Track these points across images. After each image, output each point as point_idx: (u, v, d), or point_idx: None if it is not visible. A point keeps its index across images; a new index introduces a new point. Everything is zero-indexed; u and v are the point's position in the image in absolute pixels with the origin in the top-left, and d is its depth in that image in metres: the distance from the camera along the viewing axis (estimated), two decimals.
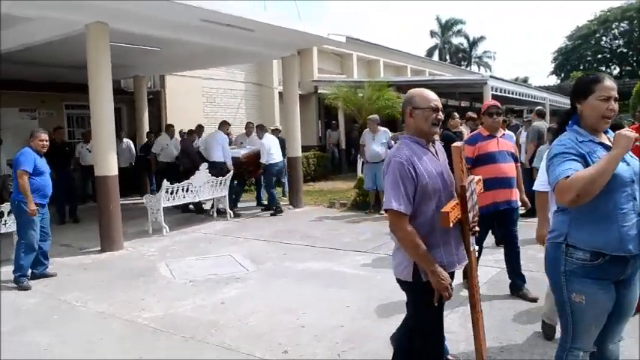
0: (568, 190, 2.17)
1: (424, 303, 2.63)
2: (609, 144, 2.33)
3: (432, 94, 2.65)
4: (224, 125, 10.37)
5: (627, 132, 2.22)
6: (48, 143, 5.92)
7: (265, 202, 10.32)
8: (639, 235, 2.29)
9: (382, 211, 9.15)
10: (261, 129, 10.13)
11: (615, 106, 2.36)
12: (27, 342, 4.12)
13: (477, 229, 2.72)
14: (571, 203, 2.20)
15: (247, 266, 6.14)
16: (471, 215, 2.66)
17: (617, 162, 2.19)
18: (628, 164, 2.32)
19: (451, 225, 2.49)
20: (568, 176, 2.19)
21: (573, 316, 2.38)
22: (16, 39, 7.99)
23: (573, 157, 2.27)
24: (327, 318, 4.39)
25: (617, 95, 2.38)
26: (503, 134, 4.74)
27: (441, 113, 2.64)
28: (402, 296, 4.76)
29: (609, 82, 2.37)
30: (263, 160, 9.64)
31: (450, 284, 2.54)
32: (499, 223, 4.78)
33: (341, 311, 4.55)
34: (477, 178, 2.86)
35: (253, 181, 11.34)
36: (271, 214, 9.56)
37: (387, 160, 2.62)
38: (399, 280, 2.72)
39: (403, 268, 2.63)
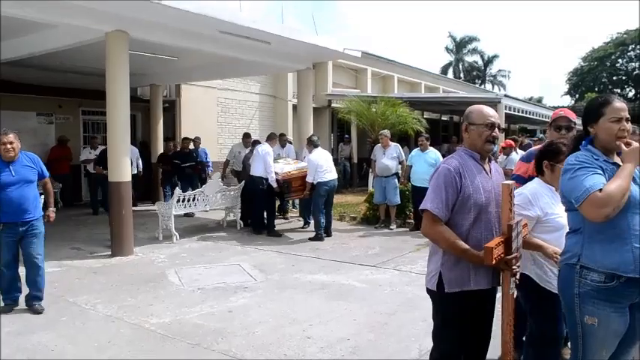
0: (606, 204, 2.14)
1: (445, 317, 2.61)
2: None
3: (490, 111, 2.64)
4: (272, 139, 9.46)
5: (633, 145, 2.25)
6: (14, 147, 4.69)
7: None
8: None
9: (391, 227, 9.16)
10: (311, 143, 8.86)
11: (628, 126, 2.37)
12: (35, 342, 4.16)
13: (518, 274, 2.59)
14: (605, 218, 2.17)
15: (256, 276, 6.16)
16: (513, 258, 2.53)
17: (631, 176, 2.20)
18: (639, 185, 2.33)
19: (493, 262, 2.41)
20: (601, 189, 2.17)
21: (584, 338, 2.36)
22: (35, 45, 8.15)
23: (598, 172, 2.26)
24: (333, 330, 4.40)
25: (628, 115, 2.39)
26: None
27: (497, 130, 2.60)
28: (408, 312, 4.80)
29: (619, 104, 2.39)
30: (309, 179, 8.49)
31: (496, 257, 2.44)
32: None
33: (347, 324, 4.55)
34: (524, 221, 2.76)
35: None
36: (309, 238, 8.40)
37: (437, 166, 2.64)
38: (427, 290, 2.70)
39: (431, 277, 2.63)
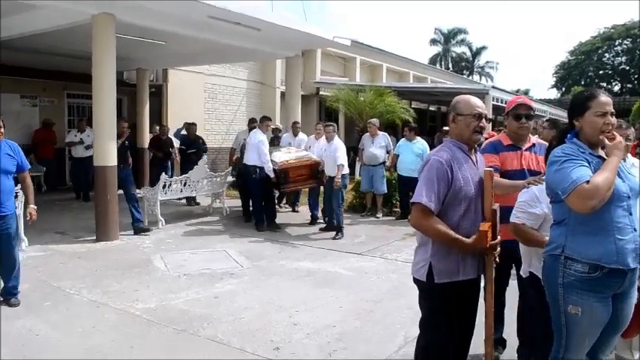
0: (593, 196, 2.17)
1: (433, 307, 2.62)
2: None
3: (477, 101, 2.63)
4: (263, 123, 8.52)
5: (617, 139, 2.29)
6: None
7: (319, 216, 8.60)
8: (636, 249, 2.32)
9: (377, 215, 9.19)
10: (331, 131, 8.03)
11: (612, 120, 2.40)
12: (19, 327, 4.12)
13: (497, 260, 2.63)
14: (591, 209, 2.19)
15: (242, 262, 6.16)
16: (497, 243, 2.59)
17: (617, 169, 2.23)
18: (623, 180, 2.36)
19: (487, 246, 2.46)
20: (587, 181, 2.19)
21: (568, 327, 2.40)
22: (21, 26, 8.00)
23: (585, 164, 2.29)
24: (319, 317, 4.42)
25: (613, 110, 2.41)
26: (532, 145, 3.50)
27: (484, 121, 2.60)
28: (394, 300, 4.84)
29: (604, 98, 2.41)
30: (344, 169, 7.74)
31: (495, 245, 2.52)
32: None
33: (334, 311, 4.58)
34: (496, 205, 2.75)
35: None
36: (333, 238, 7.54)
37: (426, 158, 2.61)
38: (414, 279, 2.69)
39: (420, 267, 2.61)
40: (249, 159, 8.14)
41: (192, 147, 10.57)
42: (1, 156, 4.41)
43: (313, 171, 8.16)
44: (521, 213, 2.90)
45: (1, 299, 4.62)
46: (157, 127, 11.75)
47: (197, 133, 11.05)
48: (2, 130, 4.44)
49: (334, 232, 7.67)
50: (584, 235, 2.32)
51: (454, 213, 2.53)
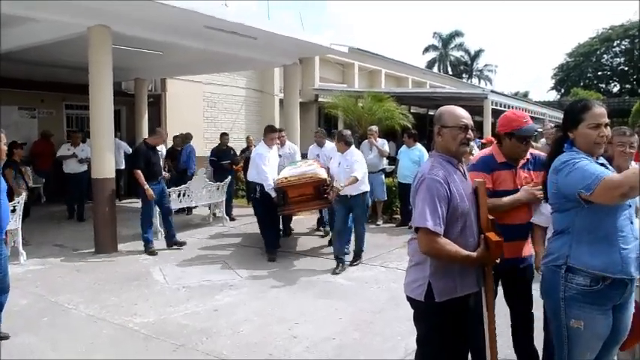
0: (620, 186, 2.14)
1: (432, 325, 2.55)
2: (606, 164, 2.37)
3: (462, 112, 2.54)
4: (268, 134, 7.37)
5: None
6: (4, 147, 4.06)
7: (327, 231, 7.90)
8: (638, 258, 2.31)
9: (378, 222, 9.15)
10: (343, 139, 6.64)
11: (606, 131, 2.37)
12: (17, 344, 4.09)
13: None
14: (618, 200, 2.19)
15: (241, 274, 6.12)
16: None
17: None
18: None
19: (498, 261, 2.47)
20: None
21: (569, 341, 2.37)
22: (18, 39, 8.01)
23: (596, 163, 2.29)
24: (319, 329, 4.38)
25: (607, 121, 2.39)
26: (527, 160, 3.17)
27: (470, 132, 2.52)
28: (394, 310, 4.79)
29: (599, 109, 2.38)
30: (365, 187, 6.61)
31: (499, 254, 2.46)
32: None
33: (333, 323, 4.54)
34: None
35: None
36: (350, 264, 6.50)
37: (420, 177, 2.48)
38: (408, 297, 2.62)
39: (417, 286, 2.52)
40: (250, 175, 7.38)
41: (226, 158, 10.17)
42: None
43: (319, 189, 6.66)
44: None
45: None
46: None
47: (192, 145, 10.84)
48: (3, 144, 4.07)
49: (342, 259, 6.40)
50: (588, 245, 2.30)
51: (453, 230, 2.46)
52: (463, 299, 2.52)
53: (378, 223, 9.20)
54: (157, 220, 8.07)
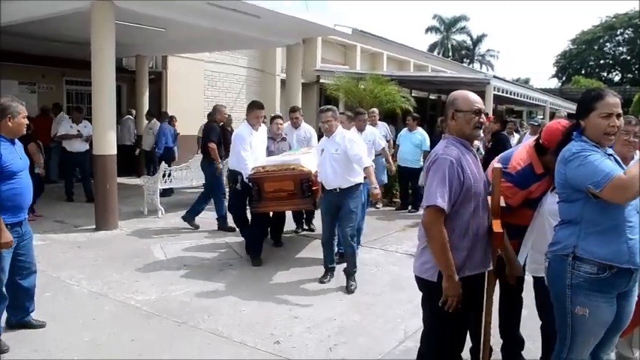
0: (630, 186, 2.14)
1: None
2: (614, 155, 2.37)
3: (475, 97, 2.61)
4: (252, 111, 6.00)
5: None
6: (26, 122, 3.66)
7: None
8: None
9: (377, 205, 9.16)
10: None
11: (618, 122, 2.36)
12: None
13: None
14: (632, 197, 2.20)
15: (242, 253, 6.13)
16: None
17: None
18: None
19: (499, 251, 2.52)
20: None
21: (573, 328, 2.40)
22: (20, 12, 7.91)
23: (607, 159, 2.28)
24: (320, 310, 4.41)
25: (620, 111, 2.36)
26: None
27: (483, 116, 2.60)
28: (394, 293, 4.83)
29: (612, 99, 2.36)
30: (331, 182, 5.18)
31: (460, 295, 2.45)
32: None
33: (334, 305, 4.57)
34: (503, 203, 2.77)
35: None
36: (320, 281, 5.22)
37: (433, 157, 2.54)
38: (418, 279, 2.65)
39: (429, 267, 2.55)
40: (231, 162, 6.05)
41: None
42: (20, 148, 3.72)
43: (301, 186, 5.47)
44: None
45: None
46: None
47: (176, 128, 11.01)
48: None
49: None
50: (596, 236, 2.31)
51: (465, 211, 2.51)
52: (472, 278, 2.56)
53: (378, 206, 9.21)
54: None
